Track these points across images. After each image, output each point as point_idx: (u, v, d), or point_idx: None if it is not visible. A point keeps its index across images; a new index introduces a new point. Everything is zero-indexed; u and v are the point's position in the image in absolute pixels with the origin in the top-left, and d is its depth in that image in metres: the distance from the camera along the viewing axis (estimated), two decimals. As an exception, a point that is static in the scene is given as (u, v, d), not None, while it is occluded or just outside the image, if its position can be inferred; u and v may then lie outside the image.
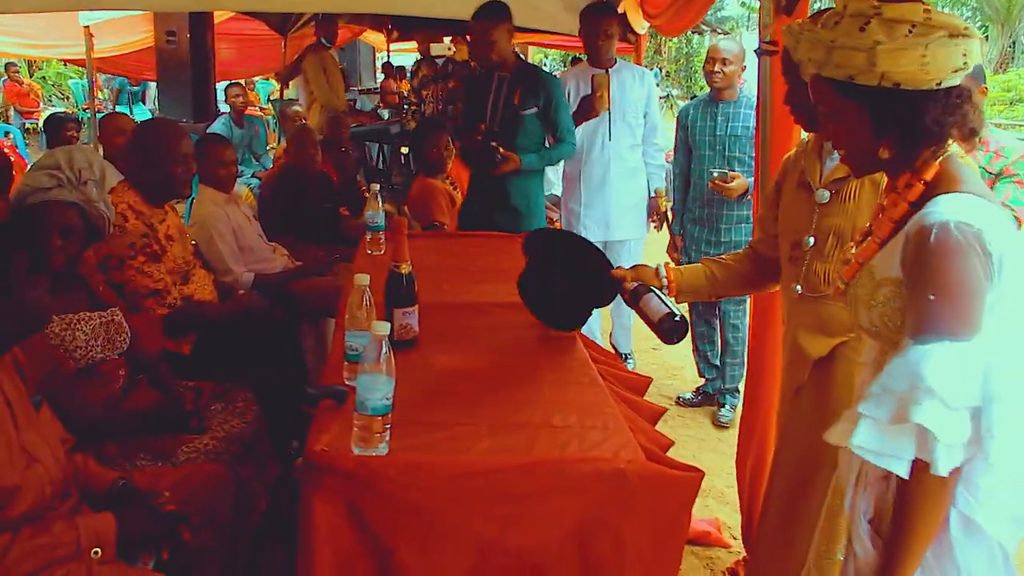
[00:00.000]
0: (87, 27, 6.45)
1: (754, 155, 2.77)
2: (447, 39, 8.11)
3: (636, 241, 4.39)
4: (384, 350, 1.61)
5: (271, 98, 11.73)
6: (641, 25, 7.61)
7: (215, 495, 2.05)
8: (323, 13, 7.63)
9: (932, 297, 1.23)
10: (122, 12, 6.60)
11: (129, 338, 2.36)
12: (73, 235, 2.22)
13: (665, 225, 4.41)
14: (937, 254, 1.25)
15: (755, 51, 2.53)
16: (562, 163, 4.30)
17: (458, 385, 2.07)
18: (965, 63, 1.30)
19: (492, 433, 1.79)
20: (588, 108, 3.90)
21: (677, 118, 4.18)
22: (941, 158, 1.38)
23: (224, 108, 7.78)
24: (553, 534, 1.68)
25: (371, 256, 3.21)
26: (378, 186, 3.20)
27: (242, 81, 8.71)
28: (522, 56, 4.04)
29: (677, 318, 2.06)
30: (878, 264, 1.42)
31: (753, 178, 3.56)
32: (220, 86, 8.17)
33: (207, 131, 6.95)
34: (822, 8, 1.48)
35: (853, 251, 1.55)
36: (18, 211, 2.20)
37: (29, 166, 2.39)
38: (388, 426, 1.65)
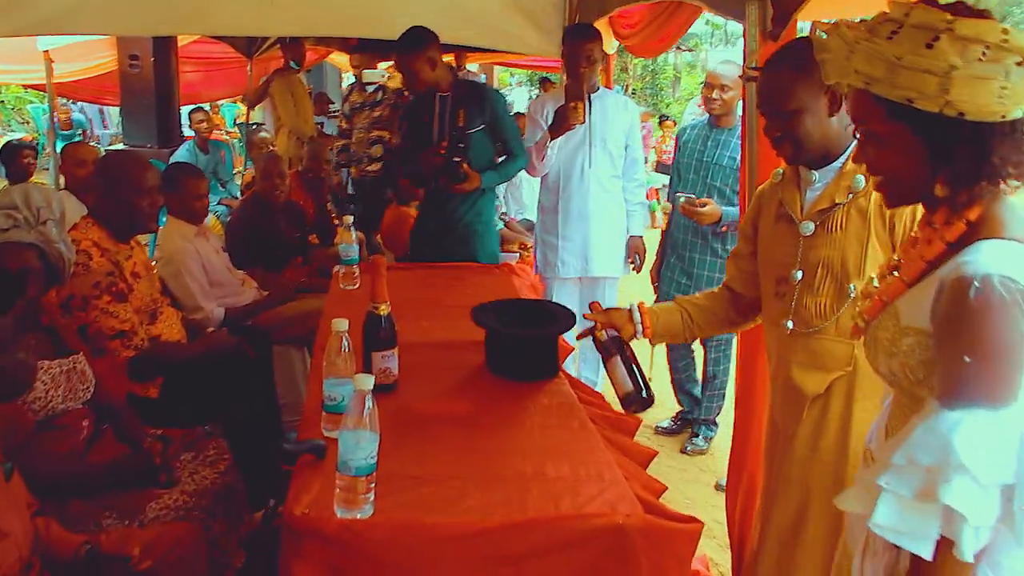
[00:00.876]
0: (46, 51, 6.29)
1: (738, 186, 2.72)
2: (382, 64, 7.90)
3: (613, 280, 4.10)
4: (368, 405, 1.52)
5: (237, 122, 11.56)
6: (611, 45, 7.60)
7: (187, 558, 1.93)
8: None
9: (968, 360, 1.12)
10: (83, 36, 6.46)
11: (93, 386, 2.23)
12: (32, 277, 2.10)
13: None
14: (977, 312, 1.12)
15: (740, 77, 2.48)
16: (537, 192, 4.16)
17: (442, 432, 1.98)
18: None
19: (482, 488, 1.70)
20: (562, 119, 3.65)
21: (675, 138, 4.09)
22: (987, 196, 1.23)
23: (189, 133, 7.63)
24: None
25: (345, 291, 3.11)
26: (351, 218, 3.10)
27: (207, 105, 8.56)
28: (458, 71, 3.93)
29: (644, 394, 2.02)
30: (904, 308, 1.30)
31: (731, 208, 3.53)
32: (185, 110, 8.03)
33: (171, 158, 6.83)
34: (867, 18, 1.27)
35: (875, 285, 1.43)
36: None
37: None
38: (373, 485, 1.56)
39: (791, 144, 1.88)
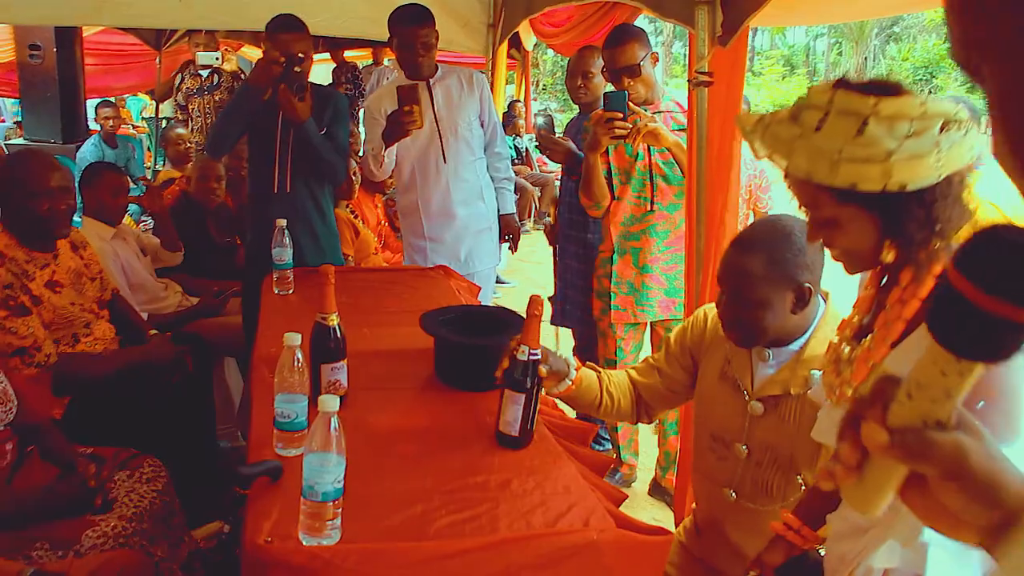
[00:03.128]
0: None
1: (686, 187, 2.71)
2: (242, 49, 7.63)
3: (490, 270, 3.89)
4: (334, 426, 1.44)
5: (144, 115, 11.12)
6: (530, 41, 7.57)
7: (133, 586, 1.81)
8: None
9: (980, 405, 1.14)
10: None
11: (16, 406, 2.08)
12: None
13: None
14: None
15: (688, 82, 2.47)
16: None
17: (400, 448, 1.91)
18: (970, 155, 1.22)
19: (450, 507, 1.64)
20: (396, 128, 3.28)
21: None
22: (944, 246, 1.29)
23: (95, 127, 7.28)
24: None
25: (280, 297, 2.99)
26: (284, 221, 2.98)
27: (113, 99, 8.20)
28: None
29: (522, 444, 1.89)
30: (893, 366, 1.30)
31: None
32: (90, 104, 7.66)
33: (77, 154, 6.50)
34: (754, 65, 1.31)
35: (846, 350, 1.45)
36: None
37: None
38: (339, 511, 1.48)
39: (743, 332, 1.82)
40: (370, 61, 10.59)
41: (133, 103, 11.24)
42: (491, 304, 3.74)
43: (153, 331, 3.10)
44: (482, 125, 3.72)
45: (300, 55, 3.08)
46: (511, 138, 9.37)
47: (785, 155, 1.27)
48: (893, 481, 0.65)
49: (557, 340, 4.13)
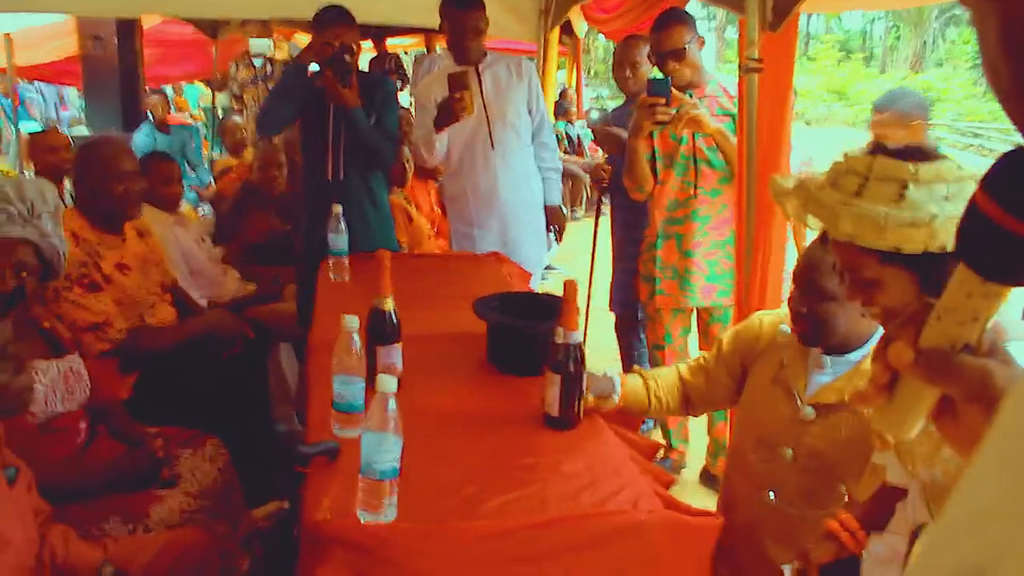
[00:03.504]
0: (7, 34, 6.11)
1: (736, 174, 2.71)
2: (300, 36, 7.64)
3: (536, 258, 3.89)
4: (391, 407, 1.49)
5: (201, 105, 11.35)
6: (580, 28, 7.56)
7: (199, 566, 1.89)
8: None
9: None
10: (42, 17, 6.29)
11: (89, 388, 2.17)
12: (28, 273, 2.04)
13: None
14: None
15: (739, 67, 2.47)
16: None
17: (452, 430, 1.96)
18: None
19: (500, 487, 1.68)
20: (447, 114, 3.32)
21: None
22: None
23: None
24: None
25: (335, 283, 3.06)
26: (340, 207, 3.05)
27: (169, 87, 8.40)
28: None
29: (567, 425, 1.93)
30: None
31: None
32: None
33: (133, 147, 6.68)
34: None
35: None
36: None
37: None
38: (395, 489, 1.53)
39: (812, 326, 1.81)
40: (422, 49, 10.64)
41: (190, 92, 11.48)
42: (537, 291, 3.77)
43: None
44: (530, 113, 3.71)
45: (351, 44, 3.16)
46: (563, 124, 9.37)
47: (828, 220, 1.31)
48: (922, 404, 0.67)
49: (586, 324, 4.14)
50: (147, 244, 2.95)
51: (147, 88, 7.38)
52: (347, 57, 3.15)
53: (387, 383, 1.50)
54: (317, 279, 3.15)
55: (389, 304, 2.09)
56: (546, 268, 5.46)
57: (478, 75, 3.55)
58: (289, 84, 3.30)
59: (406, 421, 1.70)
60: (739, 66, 2.48)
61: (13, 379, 1.55)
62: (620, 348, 4.02)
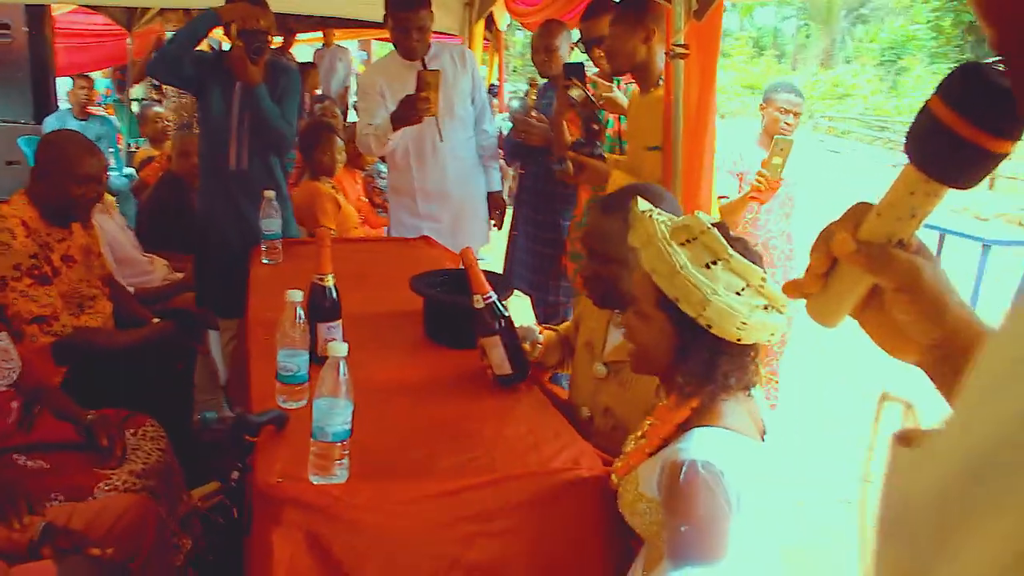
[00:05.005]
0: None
1: (664, 156, 2.80)
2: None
3: (479, 248, 3.87)
4: (343, 372, 1.53)
5: (109, 96, 11.01)
6: (503, 21, 7.62)
7: (137, 526, 1.88)
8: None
9: (684, 529, 1.34)
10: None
11: (18, 368, 2.14)
12: None
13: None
14: (686, 492, 1.35)
15: (666, 53, 2.57)
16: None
17: (395, 401, 2.00)
18: (769, 339, 1.44)
19: (449, 450, 1.74)
20: (410, 112, 3.21)
21: None
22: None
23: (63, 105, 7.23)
24: (515, 547, 1.65)
25: (268, 266, 3.06)
26: (273, 192, 3.05)
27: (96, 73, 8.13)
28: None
29: (521, 375, 2.04)
30: (642, 476, 1.51)
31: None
32: (60, 82, 7.60)
33: (44, 131, 6.46)
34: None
35: (629, 446, 1.63)
36: None
37: None
38: (346, 452, 1.57)
39: (600, 287, 1.92)
40: (320, 44, 10.44)
41: (100, 85, 11.12)
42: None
43: (156, 319, 3.15)
44: (472, 102, 3.69)
45: (268, 28, 3.13)
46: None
47: (643, 247, 1.48)
48: (854, 294, 0.74)
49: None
50: (90, 235, 2.88)
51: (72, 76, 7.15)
52: (262, 37, 3.12)
53: (338, 348, 1.54)
54: (249, 263, 3.14)
55: (330, 280, 2.12)
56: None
57: (423, 63, 3.47)
58: (198, 28, 3.22)
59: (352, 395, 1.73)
60: (665, 52, 2.57)
61: None
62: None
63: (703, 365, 1.45)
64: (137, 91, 8.31)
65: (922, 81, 16.91)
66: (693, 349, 1.45)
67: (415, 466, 1.68)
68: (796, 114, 3.54)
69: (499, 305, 1.99)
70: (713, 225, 1.47)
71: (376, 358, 2.23)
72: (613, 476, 1.62)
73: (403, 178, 3.65)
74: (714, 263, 1.42)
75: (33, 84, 6.96)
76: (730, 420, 1.46)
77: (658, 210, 1.56)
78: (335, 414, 1.52)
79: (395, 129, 3.30)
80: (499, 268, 3.91)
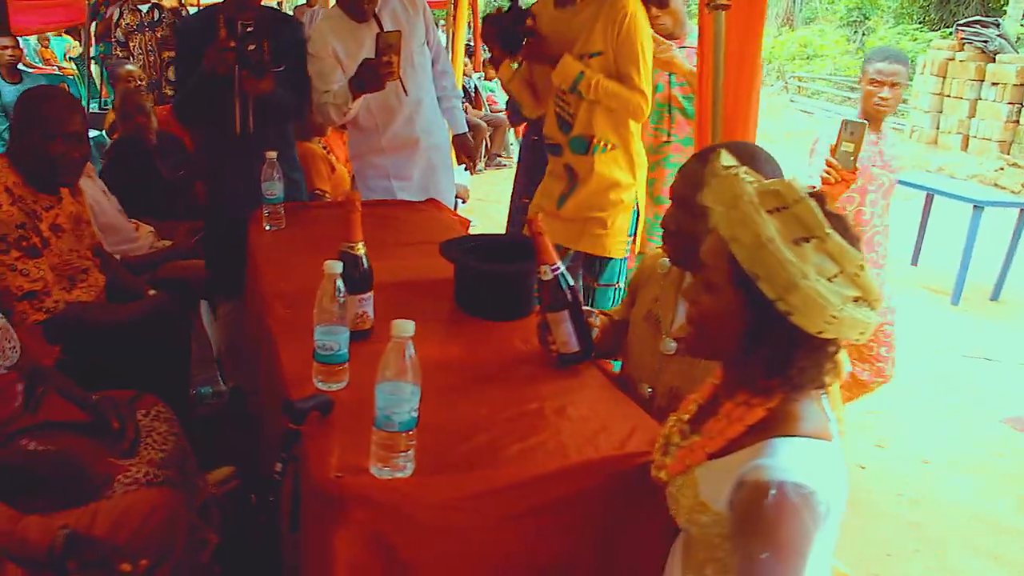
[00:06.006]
0: None
1: (698, 118, 2.65)
2: None
3: (450, 201, 3.66)
4: (409, 353, 1.37)
5: (68, 56, 10.55)
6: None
7: (167, 526, 1.71)
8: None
9: (765, 555, 1.20)
10: None
11: (20, 348, 1.94)
12: None
13: None
14: (771, 516, 1.20)
15: (707, 5, 2.40)
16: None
17: (442, 379, 1.82)
18: (858, 338, 1.23)
19: (514, 435, 1.59)
20: (372, 78, 2.92)
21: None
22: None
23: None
24: (588, 538, 1.53)
25: (271, 233, 2.86)
26: (275, 153, 2.84)
27: (31, 39, 7.72)
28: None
29: (587, 354, 1.88)
30: (703, 481, 1.33)
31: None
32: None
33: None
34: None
35: (676, 439, 1.43)
36: None
37: None
38: (413, 443, 1.41)
39: (681, 243, 1.73)
40: (302, 1, 10.11)
41: (57, 44, 10.66)
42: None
43: (152, 290, 2.94)
44: (428, 44, 3.41)
45: (248, 29, 2.76)
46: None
47: (727, 207, 1.26)
48: None
49: None
50: (79, 202, 2.65)
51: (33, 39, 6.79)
52: (252, 46, 2.78)
53: (403, 328, 1.37)
54: (248, 230, 2.94)
55: (360, 249, 1.95)
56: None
57: (378, 21, 3.20)
58: (202, 86, 2.90)
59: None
60: (704, 3, 2.40)
61: None
62: None
63: (775, 357, 1.25)
64: (95, 50, 7.92)
65: (888, 42, 16.82)
66: (765, 337, 1.25)
67: (479, 455, 1.53)
68: (893, 85, 3.07)
69: (566, 277, 1.83)
70: (810, 195, 1.25)
71: (417, 333, 2.06)
72: (660, 472, 1.43)
73: (369, 140, 3.41)
74: (806, 240, 1.20)
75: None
76: (809, 425, 1.28)
77: (746, 168, 1.34)
78: (402, 400, 1.37)
79: (355, 98, 3.05)
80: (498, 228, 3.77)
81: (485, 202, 7.40)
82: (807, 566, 1.22)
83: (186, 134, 4.50)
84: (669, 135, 3.03)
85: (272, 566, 1.87)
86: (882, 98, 3.06)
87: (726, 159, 1.36)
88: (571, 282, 1.85)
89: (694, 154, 1.80)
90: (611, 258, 2.82)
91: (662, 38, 2.89)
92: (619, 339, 2.03)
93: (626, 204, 2.89)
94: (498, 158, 9.53)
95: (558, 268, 1.83)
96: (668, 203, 3.02)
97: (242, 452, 2.70)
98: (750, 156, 1.62)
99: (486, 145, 9.04)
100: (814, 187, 1.30)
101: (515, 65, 2.90)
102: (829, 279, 1.18)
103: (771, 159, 1.73)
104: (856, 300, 1.20)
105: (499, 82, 3.06)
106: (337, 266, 1.70)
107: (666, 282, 1.87)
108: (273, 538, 1.81)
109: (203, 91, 2.91)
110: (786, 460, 1.23)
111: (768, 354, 1.25)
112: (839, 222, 1.23)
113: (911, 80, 11.38)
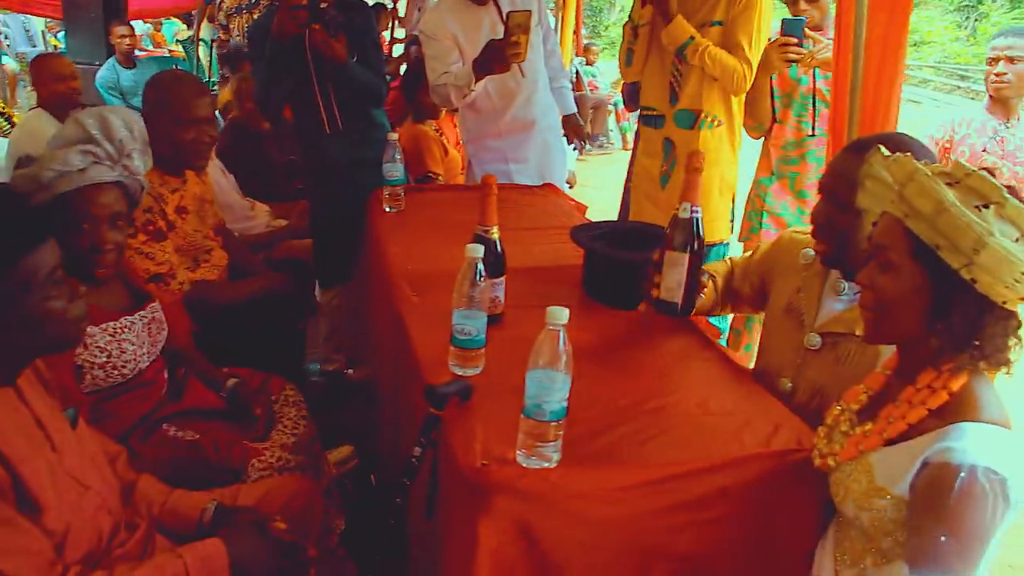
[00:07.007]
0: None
1: (831, 103, 2.54)
2: None
3: (562, 182, 3.63)
4: (562, 341, 1.34)
5: (177, 39, 10.88)
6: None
7: (306, 512, 1.73)
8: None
9: (944, 539, 1.19)
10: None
11: (166, 331, 1.99)
12: (122, 221, 1.84)
13: None
14: (960, 501, 1.18)
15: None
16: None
17: (577, 368, 1.80)
18: None
19: (655, 428, 1.55)
20: (498, 59, 2.86)
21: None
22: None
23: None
24: (730, 536, 1.47)
25: (391, 215, 2.88)
26: (397, 135, 2.84)
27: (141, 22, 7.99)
28: None
29: (678, 307, 1.84)
30: (879, 466, 1.31)
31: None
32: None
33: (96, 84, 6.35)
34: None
35: (844, 427, 1.41)
36: (45, 203, 1.74)
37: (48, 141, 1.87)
38: (561, 433, 1.39)
39: (831, 239, 1.68)
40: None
41: (167, 27, 11.00)
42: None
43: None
44: (539, 23, 3.33)
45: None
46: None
47: (901, 184, 1.27)
48: None
49: None
50: (204, 183, 2.70)
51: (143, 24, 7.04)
52: (324, 4, 2.79)
53: (558, 315, 1.35)
54: (368, 212, 2.96)
55: (495, 233, 1.93)
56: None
57: (496, 4, 3.17)
58: (277, 64, 2.89)
59: (520, 359, 1.53)
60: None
61: (69, 306, 1.35)
62: None
63: (962, 329, 1.24)
64: (208, 32, 8.12)
65: (1003, 28, 16.07)
66: (951, 310, 1.24)
67: (622, 446, 1.50)
68: (1011, 60, 2.87)
69: (700, 226, 1.78)
70: (981, 169, 1.24)
71: (538, 319, 2.02)
72: (828, 459, 1.40)
73: (487, 123, 3.37)
74: (985, 206, 1.20)
75: (106, 27, 6.87)
76: (993, 412, 1.25)
77: (908, 154, 1.32)
78: (554, 390, 1.34)
79: (479, 79, 3.00)
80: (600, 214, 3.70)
81: (587, 187, 7.33)
82: (985, 556, 1.21)
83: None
84: (813, 128, 2.94)
85: (397, 550, 1.87)
86: (997, 74, 2.92)
87: (884, 150, 1.36)
88: (702, 234, 1.81)
89: (844, 147, 1.74)
90: (713, 243, 2.82)
91: (820, 36, 2.82)
92: (726, 297, 2.04)
93: (728, 184, 2.87)
94: (601, 138, 9.48)
95: (698, 212, 1.79)
96: (810, 198, 2.99)
97: (354, 431, 2.73)
98: (906, 146, 1.54)
99: (588, 128, 8.99)
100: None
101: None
102: (1015, 240, 1.19)
103: (925, 148, 1.65)
104: None
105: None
106: (478, 250, 1.68)
107: (809, 274, 1.81)
108: (402, 522, 1.81)
109: (279, 71, 2.89)
110: (976, 444, 1.20)
111: (955, 326, 1.24)
112: (1011, 190, 1.23)
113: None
